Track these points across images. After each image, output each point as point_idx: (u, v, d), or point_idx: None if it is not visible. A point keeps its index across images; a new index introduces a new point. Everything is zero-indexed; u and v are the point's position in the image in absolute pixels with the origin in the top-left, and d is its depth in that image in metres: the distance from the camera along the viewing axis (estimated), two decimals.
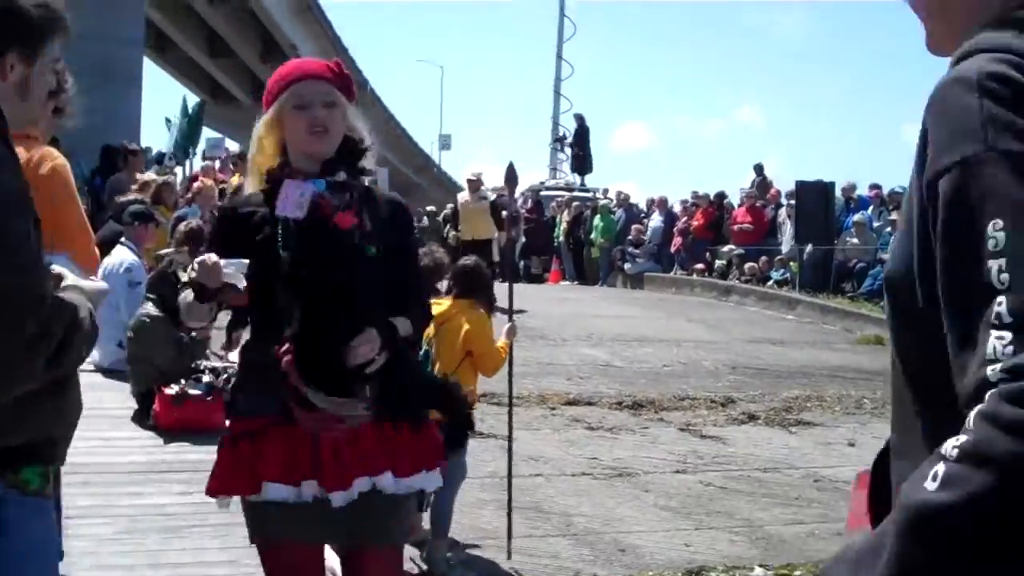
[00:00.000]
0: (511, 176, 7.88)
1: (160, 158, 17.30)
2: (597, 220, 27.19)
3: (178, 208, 13.34)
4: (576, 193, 33.12)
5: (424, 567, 7.00)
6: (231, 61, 46.68)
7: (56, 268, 2.57)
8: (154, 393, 8.39)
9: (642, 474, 9.67)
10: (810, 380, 14.29)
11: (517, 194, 34.14)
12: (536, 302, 18.42)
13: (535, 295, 20.17)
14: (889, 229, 20.70)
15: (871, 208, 22.28)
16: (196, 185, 12.53)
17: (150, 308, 8.68)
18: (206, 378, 8.47)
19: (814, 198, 21.80)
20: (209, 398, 8.41)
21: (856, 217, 21.42)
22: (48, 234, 3.87)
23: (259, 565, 5.86)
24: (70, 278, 2.54)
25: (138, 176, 14.15)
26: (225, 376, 8.82)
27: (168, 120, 17.10)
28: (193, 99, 19.50)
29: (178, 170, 15.17)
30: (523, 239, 28.71)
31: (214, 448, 7.95)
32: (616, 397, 12.48)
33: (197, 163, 15.72)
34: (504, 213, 15.09)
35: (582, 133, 35.20)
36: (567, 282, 27.60)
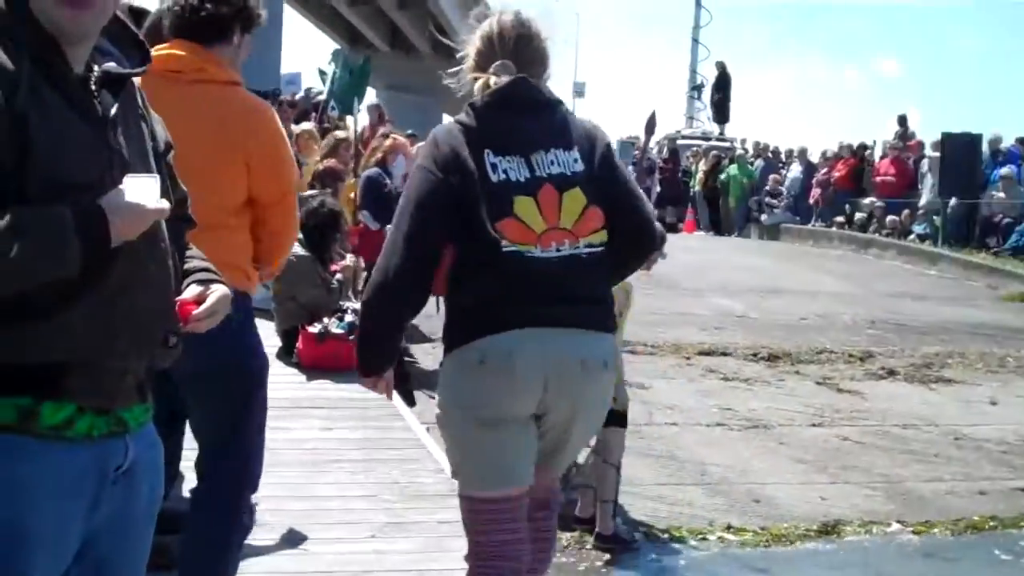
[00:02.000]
0: (651, 124, 7.83)
1: (322, 107, 17.41)
2: (734, 170, 26.87)
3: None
4: (713, 143, 32.72)
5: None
6: (369, 8, 47.00)
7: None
8: (298, 331, 8.56)
9: (777, 426, 9.60)
10: (951, 336, 13.99)
11: (652, 144, 33.94)
12: (671, 251, 18.30)
13: (670, 244, 19.99)
14: None
15: (1020, 162, 21.55)
16: (389, 141, 11.89)
17: (296, 248, 8.84)
18: (349, 317, 8.60)
19: (960, 150, 21.18)
20: (351, 337, 8.53)
21: (1003, 171, 20.73)
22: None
23: (397, 499, 5.99)
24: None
25: (294, 128, 14.07)
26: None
27: (322, 72, 17.16)
28: (334, 46, 19.61)
29: (349, 122, 15.00)
30: (658, 188, 28.53)
31: (354, 386, 8.17)
32: (751, 348, 12.37)
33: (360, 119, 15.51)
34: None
35: (724, 80, 34.73)
36: (702, 232, 27.37)
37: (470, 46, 3.83)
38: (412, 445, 6.95)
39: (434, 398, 7.52)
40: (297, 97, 20.50)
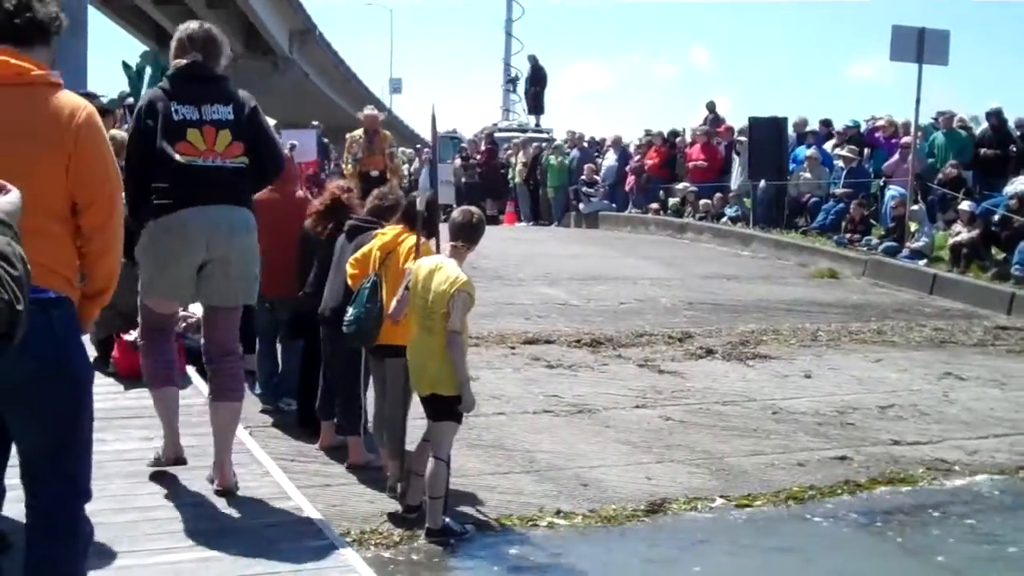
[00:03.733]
0: (432, 121, 8.17)
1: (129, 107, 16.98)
2: (552, 160, 27.14)
3: None
4: (530, 134, 33.01)
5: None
6: (177, 7, 45.94)
7: None
8: (114, 340, 8.33)
9: (602, 410, 9.75)
10: (766, 314, 14.43)
11: (471, 136, 34.01)
12: (492, 243, 18.41)
13: (491, 236, 20.15)
14: (840, 163, 20.79)
15: (829, 143, 22.28)
16: None
17: None
18: None
19: (766, 134, 21.84)
20: None
21: (809, 151, 21.42)
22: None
23: (223, 505, 5.90)
24: None
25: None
26: (185, 324, 8.77)
27: (126, 64, 16.72)
28: (141, 48, 19.17)
29: None
30: (476, 180, 28.68)
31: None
32: (574, 335, 12.54)
33: None
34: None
35: (537, 73, 35.05)
36: (523, 223, 27.59)
37: (174, 41, 6.20)
38: (237, 450, 6.81)
39: (252, 396, 7.47)
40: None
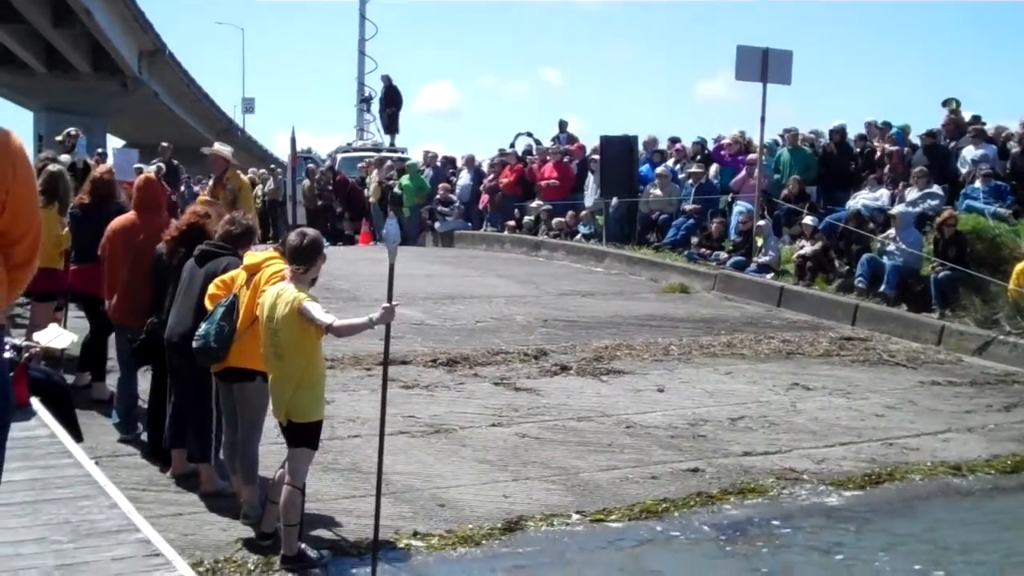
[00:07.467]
0: (292, 142, 7.99)
1: None
2: (406, 180, 27.08)
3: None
4: (385, 154, 32.89)
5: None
6: (21, 27, 44.74)
7: None
8: None
9: (459, 429, 9.76)
10: (619, 330, 14.60)
11: (325, 155, 33.76)
12: (347, 264, 18.35)
13: (346, 257, 20.09)
14: (690, 180, 21.17)
15: (672, 160, 22.69)
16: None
17: None
18: (7, 354, 8.12)
19: (618, 152, 22.15)
20: (11, 373, 8.09)
21: (659, 169, 21.80)
22: None
23: (69, 540, 5.74)
24: None
25: None
26: (29, 354, 8.53)
27: None
28: None
29: None
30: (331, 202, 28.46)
31: (17, 425, 7.73)
32: (431, 355, 12.52)
33: None
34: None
35: (391, 93, 34.94)
36: (378, 243, 27.45)
37: None
38: (83, 482, 6.65)
39: (105, 425, 7.24)
40: None
